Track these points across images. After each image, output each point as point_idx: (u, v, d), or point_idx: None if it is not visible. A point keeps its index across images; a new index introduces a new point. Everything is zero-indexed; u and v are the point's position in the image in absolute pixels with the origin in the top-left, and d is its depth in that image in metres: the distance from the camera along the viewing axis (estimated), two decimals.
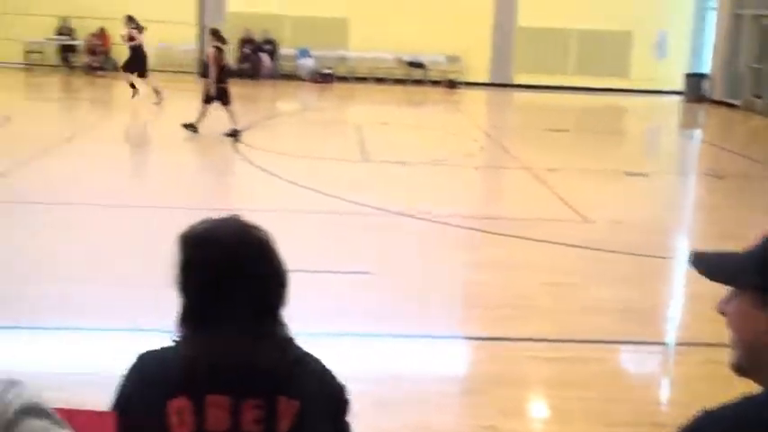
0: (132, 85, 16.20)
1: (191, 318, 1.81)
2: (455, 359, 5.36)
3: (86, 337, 5.26)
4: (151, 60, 20.75)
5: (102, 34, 20.76)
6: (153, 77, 16.20)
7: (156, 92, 15.80)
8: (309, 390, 1.78)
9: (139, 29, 16.20)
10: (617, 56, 22.09)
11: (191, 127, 12.57)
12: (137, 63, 16.11)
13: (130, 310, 5.54)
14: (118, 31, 20.26)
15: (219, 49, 12.76)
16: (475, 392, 4.73)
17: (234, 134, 12.47)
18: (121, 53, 20.80)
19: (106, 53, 20.92)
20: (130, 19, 16.20)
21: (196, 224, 1.84)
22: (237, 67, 20.98)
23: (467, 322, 5.96)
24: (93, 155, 11.56)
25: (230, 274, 1.78)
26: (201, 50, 21.14)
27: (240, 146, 11.99)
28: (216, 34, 13.01)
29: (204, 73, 12.76)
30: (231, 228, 1.84)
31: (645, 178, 11.22)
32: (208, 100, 12.64)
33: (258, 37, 21.23)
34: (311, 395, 1.78)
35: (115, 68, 20.74)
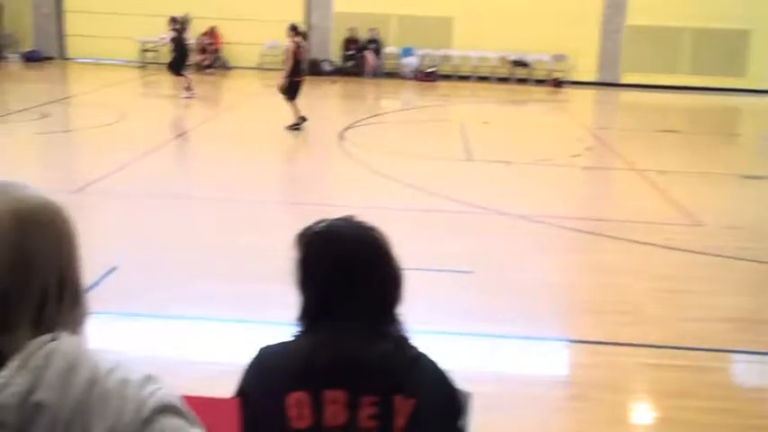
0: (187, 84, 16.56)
1: (310, 314, 1.87)
2: (560, 362, 5.25)
3: (206, 326, 5.41)
4: (258, 59, 21.37)
5: (212, 33, 21.37)
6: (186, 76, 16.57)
7: (188, 89, 16.21)
8: (425, 389, 1.80)
9: (183, 28, 16.78)
10: (733, 55, 21.24)
11: (295, 126, 12.86)
12: (179, 61, 16.56)
13: (252, 303, 5.69)
14: (228, 31, 20.98)
15: (298, 45, 12.98)
16: (581, 398, 4.62)
17: (295, 127, 12.81)
18: (232, 52, 21.44)
19: (216, 52, 21.52)
20: (174, 20, 16.71)
21: (315, 223, 1.91)
22: (341, 65, 21.26)
23: (572, 325, 5.83)
24: (202, 151, 11.92)
25: (350, 272, 1.83)
26: (307, 50, 21.54)
27: (344, 143, 12.12)
28: (295, 29, 13.20)
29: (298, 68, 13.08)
30: (350, 227, 1.90)
31: (762, 181, 10.73)
32: (289, 96, 12.96)
33: (363, 36, 21.41)
34: (427, 395, 1.79)
35: (224, 67, 21.39)
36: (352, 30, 21.28)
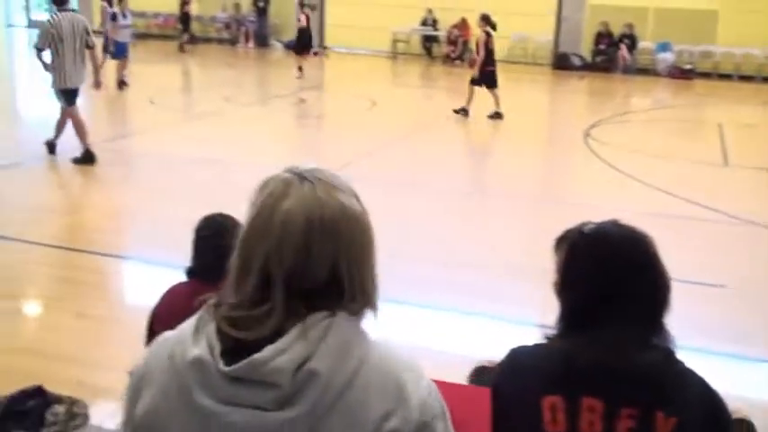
0: (300, 68, 17.10)
1: (572, 317, 1.81)
2: None
3: (459, 319, 5.46)
4: (506, 51, 21.27)
5: (463, 25, 21.53)
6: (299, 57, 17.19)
7: (300, 69, 16.97)
8: (690, 408, 1.66)
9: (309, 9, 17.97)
10: None
11: (462, 111, 13.02)
12: (300, 43, 17.40)
13: (483, 296, 5.69)
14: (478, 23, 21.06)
15: (489, 34, 13.01)
16: None
17: (497, 116, 12.89)
18: None
19: (465, 44, 21.68)
20: (302, 4, 17.83)
21: (580, 224, 1.85)
22: (592, 60, 20.61)
23: None
24: (445, 142, 12.07)
25: (619, 276, 1.74)
26: (557, 43, 21.11)
27: (590, 141, 11.76)
28: (486, 19, 13.15)
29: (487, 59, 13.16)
30: (619, 230, 1.81)
31: None
32: (474, 82, 13.05)
33: (617, 30, 20.59)
34: (691, 414, 1.66)
35: (472, 59, 21.48)
36: (604, 23, 20.54)
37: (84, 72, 9.39)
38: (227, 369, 1.22)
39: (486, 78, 13.04)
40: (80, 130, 9.26)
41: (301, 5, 18.30)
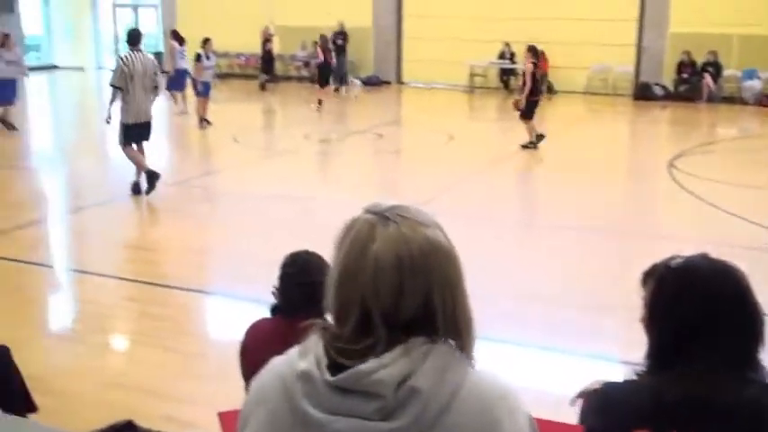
0: (319, 101, 18.09)
1: (661, 353, 1.78)
2: None
3: (539, 354, 5.42)
4: (585, 82, 21.04)
5: (541, 57, 21.39)
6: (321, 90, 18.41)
7: (320, 102, 18.07)
8: None
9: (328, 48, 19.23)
10: None
11: (531, 144, 13.08)
12: (322, 77, 18.66)
13: (569, 331, 5.59)
14: (555, 54, 20.94)
15: (535, 65, 13.28)
16: None
17: (530, 146, 13.07)
18: (558, 76, 21.37)
19: (544, 77, 21.52)
20: (323, 38, 19.17)
21: (668, 258, 1.82)
22: (675, 90, 20.21)
23: None
24: (523, 175, 11.97)
25: (709, 311, 1.71)
26: (637, 73, 20.79)
27: (675, 172, 11.49)
28: (533, 51, 13.39)
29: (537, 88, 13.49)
30: (710, 263, 1.78)
31: None
32: (524, 115, 13.22)
33: (700, 58, 20.16)
34: None
35: (550, 91, 21.35)
36: (687, 52, 20.13)
37: (151, 109, 9.76)
38: (332, 379, 1.29)
39: (527, 108, 13.19)
40: (138, 162, 9.67)
41: (319, 41, 19.12)
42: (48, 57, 27.90)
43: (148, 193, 9.50)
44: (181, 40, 17.00)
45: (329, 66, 19.18)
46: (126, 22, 25.24)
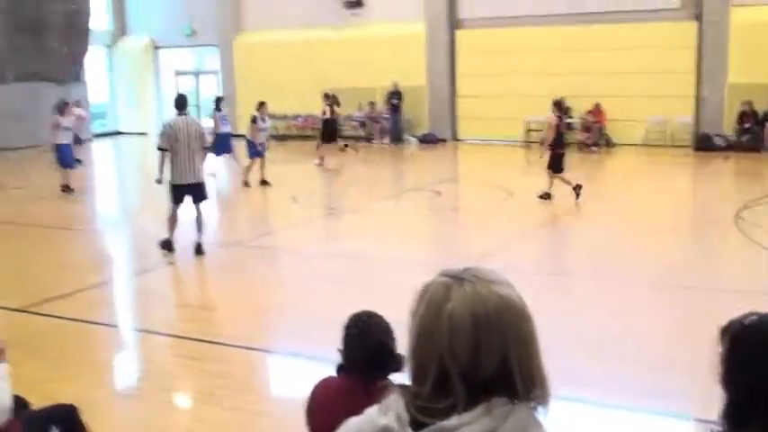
0: (321, 158, 18.48)
1: (737, 411, 1.76)
2: None
3: (614, 413, 5.26)
4: (643, 134, 20.81)
5: (597, 110, 21.32)
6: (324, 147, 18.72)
7: (322, 159, 18.47)
8: None
9: (335, 104, 19.39)
10: None
11: (575, 194, 12.90)
12: (327, 134, 18.92)
13: (638, 390, 5.43)
14: (612, 107, 20.81)
15: (560, 118, 13.31)
16: None
17: (546, 197, 13.10)
18: (616, 129, 21.20)
19: (600, 130, 21.41)
20: (327, 96, 19.31)
21: (743, 315, 1.83)
22: (737, 140, 19.86)
23: None
24: (584, 229, 11.80)
25: None
26: (697, 124, 20.50)
27: (741, 223, 11.20)
28: (558, 105, 13.38)
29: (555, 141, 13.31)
30: None
31: None
32: (553, 169, 13.18)
33: (761, 108, 19.81)
34: None
35: (608, 144, 21.16)
36: (748, 102, 19.82)
37: (199, 170, 9.92)
38: None
39: (553, 162, 13.18)
40: (172, 225, 9.93)
41: (325, 98, 19.33)
42: (113, 123, 28.79)
43: (197, 255, 9.76)
44: (218, 106, 17.20)
45: (335, 122, 19.38)
46: (187, 88, 25.90)
